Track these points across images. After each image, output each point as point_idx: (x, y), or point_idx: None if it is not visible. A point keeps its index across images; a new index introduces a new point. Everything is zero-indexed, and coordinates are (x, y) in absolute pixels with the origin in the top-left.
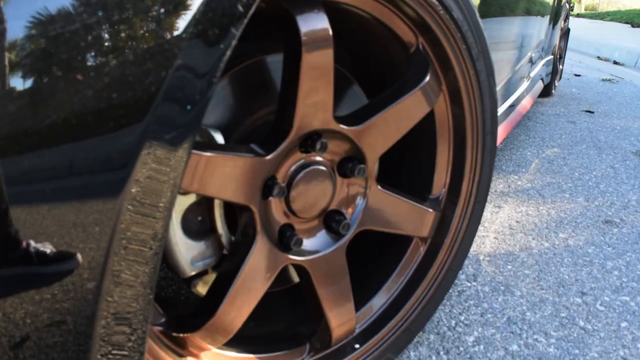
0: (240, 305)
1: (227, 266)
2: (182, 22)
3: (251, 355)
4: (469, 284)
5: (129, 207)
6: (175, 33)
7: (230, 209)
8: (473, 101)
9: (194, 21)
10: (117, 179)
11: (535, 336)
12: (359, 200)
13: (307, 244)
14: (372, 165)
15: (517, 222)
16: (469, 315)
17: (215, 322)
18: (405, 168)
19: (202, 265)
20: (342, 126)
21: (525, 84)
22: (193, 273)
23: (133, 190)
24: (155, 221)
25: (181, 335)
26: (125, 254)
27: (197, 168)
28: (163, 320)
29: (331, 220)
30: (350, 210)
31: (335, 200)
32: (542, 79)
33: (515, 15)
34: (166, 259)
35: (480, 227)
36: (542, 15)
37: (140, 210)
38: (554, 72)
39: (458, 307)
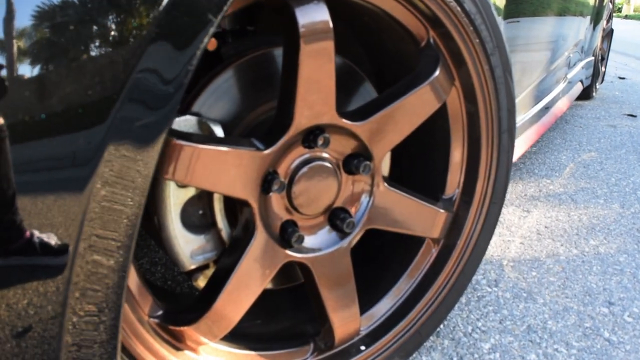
0: (237, 301)
1: (225, 260)
2: (153, 8)
3: (252, 352)
4: (489, 290)
5: (98, 195)
6: (146, 19)
7: (231, 203)
8: (488, 98)
9: (166, 7)
10: (85, 170)
11: (555, 346)
12: (366, 198)
13: (310, 241)
14: (379, 162)
15: (545, 227)
16: (486, 321)
17: (211, 317)
18: (419, 167)
19: (202, 259)
20: (346, 121)
21: (561, 86)
22: (193, 267)
23: (104, 172)
24: (125, 209)
25: (177, 328)
26: (95, 240)
27: (190, 160)
28: (160, 312)
29: (336, 218)
30: (356, 208)
31: (341, 198)
32: (581, 81)
33: (548, 14)
34: (166, 252)
35: (506, 232)
36: (581, 15)
37: (109, 198)
38: (595, 74)
39: (476, 313)
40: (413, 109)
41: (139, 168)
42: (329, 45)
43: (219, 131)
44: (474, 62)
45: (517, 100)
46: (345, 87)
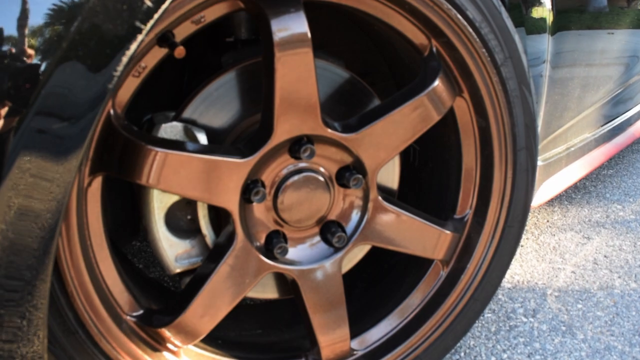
0: (211, 307)
1: (205, 266)
2: (65, 24)
3: None
4: (524, 320)
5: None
6: (58, 35)
7: (217, 210)
8: (499, 112)
9: (87, 10)
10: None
11: None
12: (359, 213)
13: (297, 253)
14: (373, 176)
15: (605, 256)
16: (513, 353)
17: (183, 321)
18: (435, 184)
19: (187, 263)
20: (334, 132)
21: None
22: (178, 270)
23: (16, 179)
24: (39, 219)
25: (154, 329)
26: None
27: (161, 166)
28: (141, 312)
29: (327, 232)
30: (348, 222)
31: (334, 211)
32: None
33: (613, 27)
34: (154, 254)
35: (558, 259)
36: None
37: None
38: None
39: (504, 343)
40: (408, 121)
41: (55, 176)
42: (307, 54)
43: (202, 138)
44: (481, 73)
45: (578, 118)
46: (350, 101)
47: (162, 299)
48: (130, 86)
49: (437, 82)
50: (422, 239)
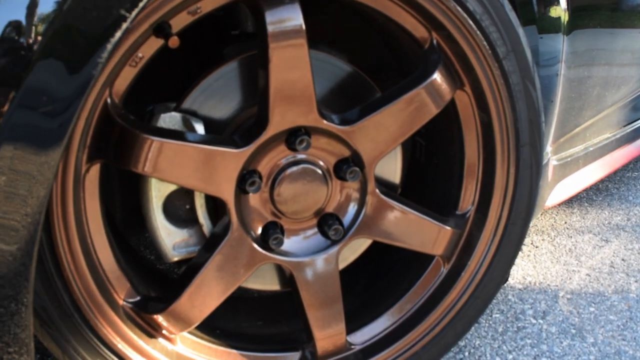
0: (205, 296)
1: (200, 255)
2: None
3: (235, 351)
4: (533, 321)
5: None
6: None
7: (214, 200)
8: (501, 107)
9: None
10: None
11: None
12: (356, 206)
13: (293, 245)
14: (371, 169)
15: (622, 260)
16: (519, 355)
17: (176, 309)
18: (439, 179)
19: (185, 252)
20: (330, 124)
21: None
22: (176, 259)
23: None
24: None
25: (147, 315)
26: None
27: (157, 154)
28: (138, 298)
29: (324, 224)
30: (346, 215)
31: (331, 204)
32: None
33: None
34: (152, 242)
35: (573, 261)
36: None
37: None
38: None
39: (510, 344)
40: (406, 114)
41: (37, 167)
42: (302, 46)
43: (200, 128)
44: (482, 66)
45: (597, 118)
46: (352, 94)
47: (163, 287)
48: (127, 76)
49: (435, 75)
50: (420, 234)
